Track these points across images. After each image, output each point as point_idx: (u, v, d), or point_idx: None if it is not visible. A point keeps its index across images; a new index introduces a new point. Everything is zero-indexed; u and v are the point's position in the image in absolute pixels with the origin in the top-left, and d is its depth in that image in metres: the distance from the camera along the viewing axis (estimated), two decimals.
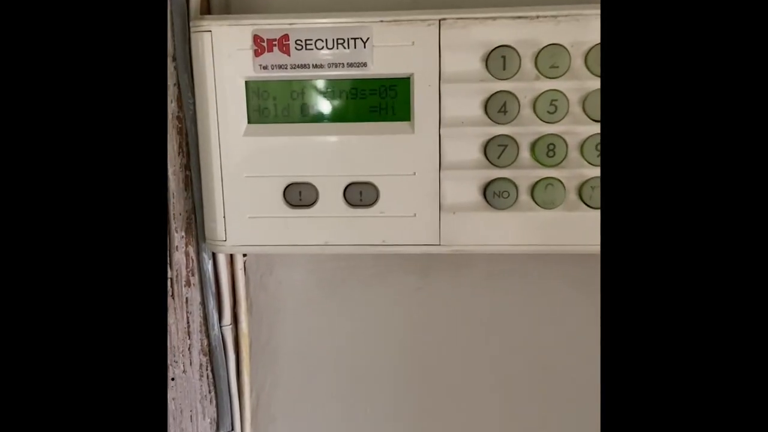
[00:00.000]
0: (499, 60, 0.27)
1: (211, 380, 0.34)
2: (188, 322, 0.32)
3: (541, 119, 0.27)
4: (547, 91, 0.27)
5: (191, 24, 0.28)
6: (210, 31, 0.27)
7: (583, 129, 0.27)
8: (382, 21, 0.27)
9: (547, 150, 0.27)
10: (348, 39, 0.27)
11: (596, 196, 0.28)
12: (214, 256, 0.32)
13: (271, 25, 0.27)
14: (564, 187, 0.28)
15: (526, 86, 0.27)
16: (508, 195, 0.28)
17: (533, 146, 0.28)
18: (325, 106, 0.28)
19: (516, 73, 0.27)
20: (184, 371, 0.33)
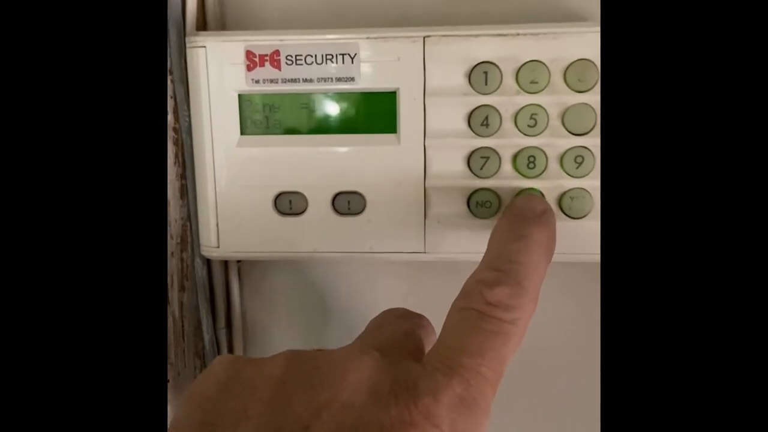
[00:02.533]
0: (481, 75, 0.28)
1: None
2: (183, 326, 0.33)
3: (521, 132, 0.28)
4: (527, 105, 0.28)
5: (187, 39, 0.29)
6: (205, 46, 0.29)
7: (562, 142, 0.28)
8: (368, 38, 0.28)
9: (528, 162, 0.28)
10: (336, 55, 0.28)
11: (575, 207, 0.29)
12: (208, 262, 0.33)
13: (263, 41, 0.28)
14: (544, 198, 0.29)
15: (508, 100, 0.28)
16: (491, 205, 0.29)
17: (514, 158, 0.29)
18: (314, 118, 0.29)
19: (498, 88, 0.28)
20: (179, 374, 0.34)
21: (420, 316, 0.26)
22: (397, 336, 0.24)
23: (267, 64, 0.28)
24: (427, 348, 0.24)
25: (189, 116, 0.30)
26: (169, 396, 0.34)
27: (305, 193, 0.30)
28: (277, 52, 0.28)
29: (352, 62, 0.28)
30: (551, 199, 0.29)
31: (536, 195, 0.28)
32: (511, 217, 0.25)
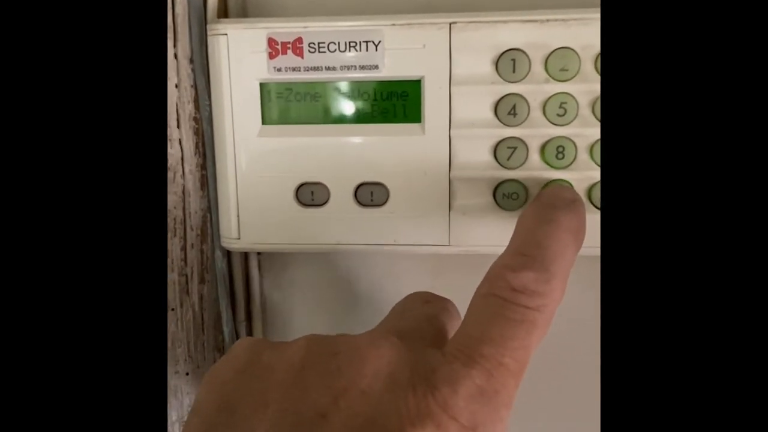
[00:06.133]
0: (509, 63, 0.27)
1: None
2: (202, 319, 0.33)
3: (550, 122, 0.27)
4: (556, 93, 0.27)
5: (208, 27, 0.29)
6: (226, 34, 0.28)
7: (592, 132, 0.27)
8: (393, 24, 0.27)
9: (557, 152, 0.28)
10: (360, 42, 0.27)
11: None
12: (228, 254, 0.33)
13: (285, 29, 0.28)
14: (574, 189, 0.28)
15: (536, 89, 0.27)
16: (518, 196, 0.28)
17: (543, 148, 0.28)
18: (337, 107, 0.28)
19: (526, 76, 0.27)
20: (198, 366, 0.33)
21: (445, 300, 0.25)
22: (420, 322, 0.24)
23: (289, 51, 0.28)
24: (451, 334, 0.24)
25: (210, 105, 0.30)
26: (189, 389, 0.34)
27: (327, 184, 0.29)
28: (299, 40, 0.28)
29: (376, 50, 0.27)
30: (580, 190, 0.28)
31: (565, 185, 0.27)
32: (539, 205, 0.25)
